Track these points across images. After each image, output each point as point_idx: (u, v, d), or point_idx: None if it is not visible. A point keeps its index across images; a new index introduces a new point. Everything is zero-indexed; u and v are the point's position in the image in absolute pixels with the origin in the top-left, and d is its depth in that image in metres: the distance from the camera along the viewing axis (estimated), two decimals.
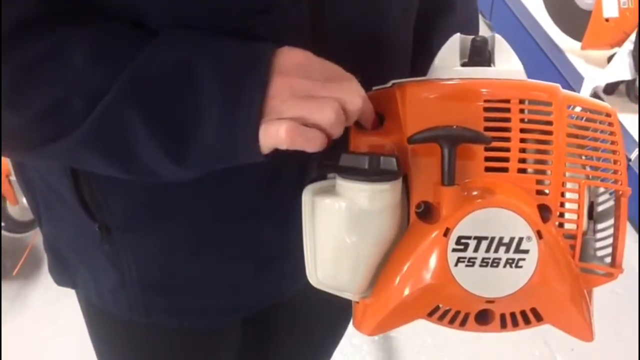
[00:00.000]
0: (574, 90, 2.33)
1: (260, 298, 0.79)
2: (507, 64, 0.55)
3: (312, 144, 0.51)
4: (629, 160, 2.15)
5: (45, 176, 0.69)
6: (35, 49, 0.51)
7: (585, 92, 2.24)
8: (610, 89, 2.28)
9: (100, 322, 0.85)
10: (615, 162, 0.55)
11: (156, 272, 0.72)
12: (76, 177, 0.64)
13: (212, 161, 0.54)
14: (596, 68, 2.36)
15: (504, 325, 0.55)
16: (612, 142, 0.56)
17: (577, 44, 2.40)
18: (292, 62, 0.52)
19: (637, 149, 2.14)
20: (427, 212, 0.53)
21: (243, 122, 0.51)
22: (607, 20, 2.23)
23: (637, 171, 2.12)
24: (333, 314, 0.96)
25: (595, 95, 2.29)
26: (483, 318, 0.54)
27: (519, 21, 2.82)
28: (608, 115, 0.56)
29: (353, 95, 0.52)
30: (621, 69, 2.15)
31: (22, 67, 0.51)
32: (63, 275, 0.79)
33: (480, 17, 3.31)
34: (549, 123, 0.53)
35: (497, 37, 0.56)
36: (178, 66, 0.51)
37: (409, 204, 0.53)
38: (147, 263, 0.71)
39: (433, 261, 0.52)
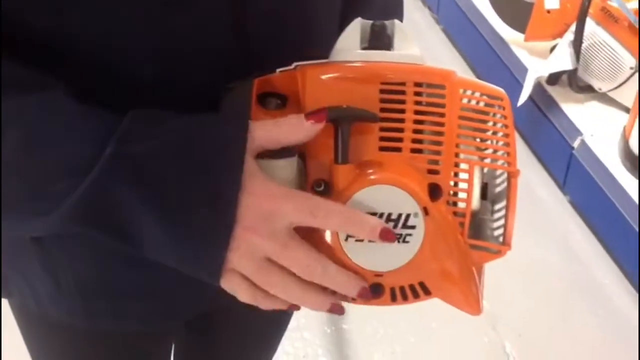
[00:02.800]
0: (518, 82, 2.38)
1: (200, 302, 0.79)
2: (406, 49, 0.57)
3: (270, 307, 0.56)
4: (572, 148, 2.20)
5: None
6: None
7: (528, 83, 2.29)
8: (553, 79, 2.33)
9: (38, 329, 0.84)
10: (506, 144, 0.58)
11: (92, 277, 0.72)
12: None
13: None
14: (540, 59, 2.41)
15: (394, 299, 0.57)
16: (504, 125, 0.58)
17: (520, 36, 2.44)
18: (257, 211, 0.52)
19: (579, 138, 2.19)
20: (325, 191, 0.55)
21: (204, 275, 0.54)
22: (548, 11, 2.28)
23: (583, 163, 2.17)
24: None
25: (538, 85, 2.34)
26: (374, 291, 0.57)
27: (465, 14, 2.86)
28: (500, 98, 0.58)
29: (309, 263, 0.53)
30: (562, 60, 2.20)
31: None
32: None
33: (427, 11, 3.33)
34: (443, 106, 0.55)
35: (397, 22, 0.58)
36: (122, 211, 0.52)
37: (307, 182, 0.55)
38: (82, 269, 0.71)
39: (324, 236, 0.54)
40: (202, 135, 0.53)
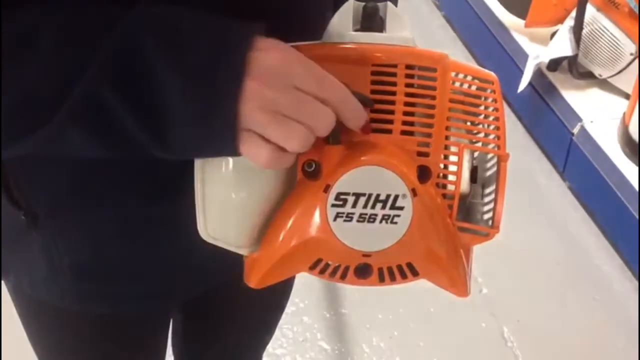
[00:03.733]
0: (519, 68, 2.37)
1: (195, 282, 0.79)
2: (398, 31, 0.57)
3: (286, 165, 0.53)
4: (572, 134, 2.20)
5: None
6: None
7: (529, 69, 2.28)
8: (554, 65, 2.33)
9: (33, 311, 0.84)
10: (496, 127, 0.58)
11: (87, 259, 0.72)
12: None
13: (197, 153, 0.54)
14: (540, 45, 2.40)
15: (382, 279, 0.58)
16: (495, 109, 0.58)
17: (521, 22, 2.43)
18: (267, 65, 0.50)
19: (579, 124, 2.19)
20: (316, 171, 0.55)
21: (219, 134, 0.50)
22: None
23: (583, 149, 2.17)
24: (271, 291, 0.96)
25: (539, 72, 2.33)
26: (362, 272, 0.58)
27: (466, 1, 2.85)
28: (491, 82, 0.58)
29: (323, 120, 0.52)
30: (563, 46, 2.19)
31: None
32: None
33: None
34: (434, 88, 0.56)
35: (390, 5, 0.58)
36: (143, 64, 0.49)
37: (298, 162, 0.56)
38: (77, 249, 0.71)
39: (314, 216, 0.55)
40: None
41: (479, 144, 0.59)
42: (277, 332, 1.89)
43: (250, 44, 0.50)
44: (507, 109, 2.64)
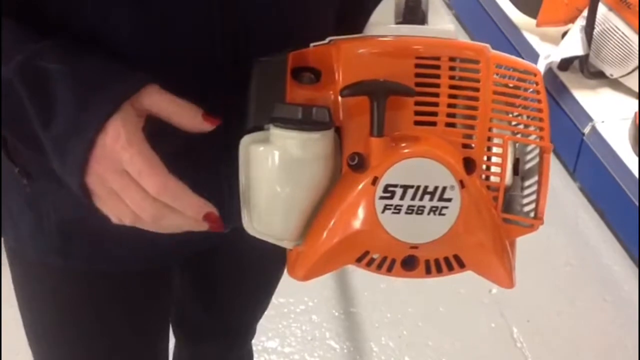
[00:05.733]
0: None
1: (188, 244, 0.78)
2: (440, 23, 0.57)
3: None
4: (583, 134, 2.19)
5: None
6: None
7: (540, 69, 2.27)
8: (565, 65, 2.32)
9: (19, 267, 0.84)
10: (539, 119, 0.58)
11: (74, 218, 0.72)
12: None
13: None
14: (551, 45, 2.40)
15: (428, 271, 0.58)
16: (538, 101, 0.58)
17: (532, 21, 2.42)
18: (107, 147, 0.55)
19: (590, 124, 2.18)
20: (360, 164, 0.55)
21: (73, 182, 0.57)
22: None
23: (594, 149, 2.16)
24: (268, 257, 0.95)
25: (550, 71, 2.33)
26: (409, 264, 0.57)
27: (477, 0, 2.84)
28: (534, 74, 0.58)
29: (140, 208, 0.56)
30: (574, 45, 2.19)
31: None
32: None
33: None
34: (477, 80, 0.56)
35: None
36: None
37: (343, 156, 0.56)
38: (65, 208, 0.71)
39: (361, 208, 0.54)
40: (102, 71, 0.56)
41: (521, 136, 0.59)
42: (286, 331, 1.91)
43: (100, 127, 0.54)
44: None
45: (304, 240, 0.58)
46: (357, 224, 0.55)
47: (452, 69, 0.56)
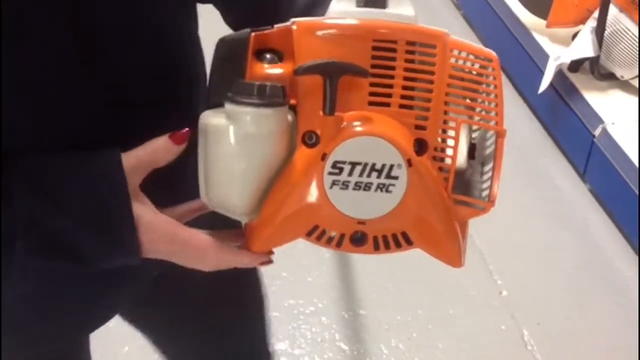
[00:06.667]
0: (539, 69, 2.35)
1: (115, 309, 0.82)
2: (401, 8, 0.58)
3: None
4: (593, 136, 2.19)
5: None
6: None
7: (550, 70, 2.27)
8: (575, 66, 2.31)
9: None
10: (495, 104, 0.59)
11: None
12: None
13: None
14: (561, 46, 2.39)
15: (377, 247, 0.60)
16: (494, 86, 0.59)
17: (542, 23, 2.42)
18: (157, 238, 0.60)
19: (601, 126, 2.17)
20: (315, 143, 0.57)
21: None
22: None
23: (604, 151, 2.15)
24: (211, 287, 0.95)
25: (560, 73, 2.32)
26: (358, 240, 0.59)
27: (486, 1, 2.84)
28: (490, 60, 0.59)
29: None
30: (585, 47, 2.18)
31: None
32: None
33: None
34: (433, 64, 0.57)
35: None
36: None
37: (298, 133, 0.57)
38: None
39: (311, 183, 0.57)
40: (93, 205, 0.58)
41: (478, 120, 0.60)
42: (296, 333, 1.91)
43: (135, 233, 0.59)
44: (527, 110, 2.63)
45: (258, 214, 0.60)
46: (306, 198, 0.57)
47: (410, 52, 0.57)
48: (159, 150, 0.60)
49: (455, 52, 0.58)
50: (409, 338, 1.89)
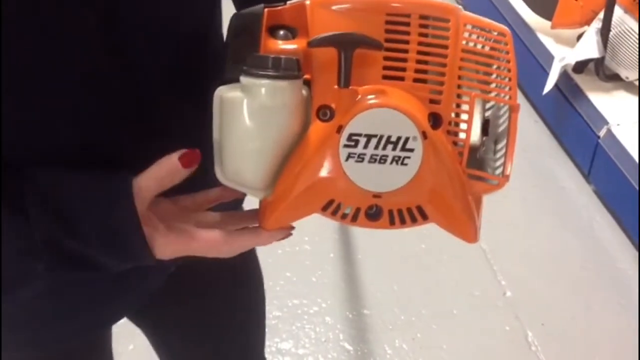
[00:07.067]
0: (544, 70, 2.35)
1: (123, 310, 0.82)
2: None
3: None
4: (598, 137, 2.18)
5: None
6: None
7: (555, 71, 2.27)
8: (580, 67, 2.31)
9: None
10: (508, 79, 0.59)
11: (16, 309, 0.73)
12: None
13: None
14: (566, 47, 2.39)
15: (392, 222, 0.59)
16: (507, 61, 0.59)
17: (547, 23, 2.42)
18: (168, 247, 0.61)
19: (605, 127, 2.17)
20: (330, 117, 0.57)
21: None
22: None
23: (609, 152, 2.15)
24: (224, 282, 0.95)
25: (565, 73, 2.32)
26: (373, 214, 0.59)
27: (491, 1, 2.84)
28: (503, 34, 0.60)
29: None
30: (590, 48, 2.18)
31: None
32: None
33: None
34: (447, 38, 0.57)
35: None
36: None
37: (312, 107, 0.57)
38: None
39: (326, 157, 0.56)
40: (103, 221, 0.58)
41: (491, 94, 0.60)
42: (300, 332, 1.91)
43: (144, 245, 0.59)
44: (531, 111, 2.63)
45: (273, 190, 0.59)
46: (321, 171, 0.57)
47: (424, 27, 0.57)
48: (169, 173, 0.59)
49: (469, 27, 0.58)
50: (413, 338, 1.89)
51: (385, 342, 1.88)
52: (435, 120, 0.57)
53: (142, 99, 0.65)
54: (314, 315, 1.93)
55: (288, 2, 0.59)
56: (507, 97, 0.59)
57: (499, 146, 0.61)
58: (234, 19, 0.59)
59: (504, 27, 0.60)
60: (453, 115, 0.58)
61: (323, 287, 2.00)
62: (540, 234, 2.21)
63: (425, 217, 0.59)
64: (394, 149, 0.56)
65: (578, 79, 2.33)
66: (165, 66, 0.65)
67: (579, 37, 2.30)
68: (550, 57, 2.36)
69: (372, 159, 0.56)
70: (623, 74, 2.25)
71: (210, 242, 0.61)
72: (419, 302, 1.96)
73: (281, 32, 0.59)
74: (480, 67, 0.59)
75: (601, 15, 2.14)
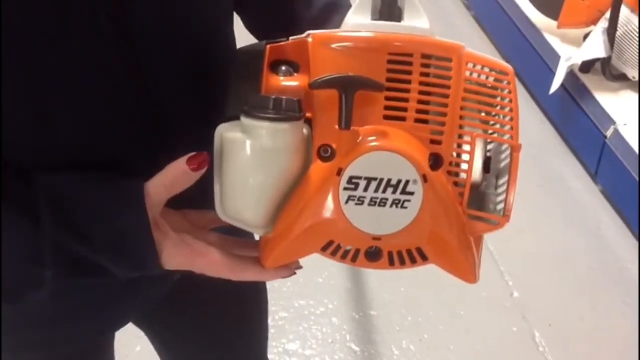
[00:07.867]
0: (550, 70, 2.35)
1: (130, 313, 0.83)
2: (416, 21, 0.58)
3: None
4: (605, 137, 2.18)
5: None
6: None
7: (561, 71, 2.26)
8: (586, 67, 2.31)
9: None
10: (510, 118, 0.59)
11: (20, 311, 0.73)
12: None
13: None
14: (573, 47, 2.38)
15: (392, 263, 0.59)
16: (509, 100, 0.59)
17: (553, 23, 2.41)
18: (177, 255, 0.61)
19: (612, 127, 2.17)
20: (330, 156, 0.57)
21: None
22: None
23: (616, 152, 2.15)
24: (225, 294, 0.95)
25: (571, 73, 2.31)
26: (373, 255, 0.59)
27: (496, 1, 2.83)
28: (506, 73, 0.59)
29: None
30: (596, 47, 2.17)
31: None
32: None
33: None
34: (448, 78, 0.57)
35: None
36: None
37: (313, 147, 0.57)
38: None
39: (326, 198, 0.56)
40: (116, 230, 0.59)
41: (494, 135, 0.60)
42: (307, 333, 1.91)
43: (155, 252, 0.59)
44: (538, 111, 2.62)
45: (273, 228, 0.59)
46: (321, 213, 0.57)
47: (426, 66, 0.56)
48: (177, 177, 0.59)
49: (470, 65, 0.58)
50: (420, 339, 1.89)
51: (392, 342, 1.88)
52: (436, 160, 0.57)
53: (146, 99, 0.64)
54: (321, 316, 1.93)
55: (291, 38, 0.59)
56: (508, 137, 0.59)
57: (501, 181, 0.61)
58: (237, 53, 0.59)
59: (506, 66, 0.59)
60: (454, 155, 0.58)
61: (330, 288, 2.01)
62: (547, 235, 2.21)
63: (424, 258, 0.59)
64: (394, 192, 0.56)
65: (584, 78, 2.32)
66: (171, 67, 0.65)
67: (585, 36, 2.30)
68: (556, 57, 2.36)
69: (372, 202, 0.56)
70: (630, 73, 2.24)
71: (217, 264, 0.61)
72: (426, 303, 1.96)
73: (283, 68, 0.59)
74: (482, 106, 0.58)
75: (607, 14, 2.13)
